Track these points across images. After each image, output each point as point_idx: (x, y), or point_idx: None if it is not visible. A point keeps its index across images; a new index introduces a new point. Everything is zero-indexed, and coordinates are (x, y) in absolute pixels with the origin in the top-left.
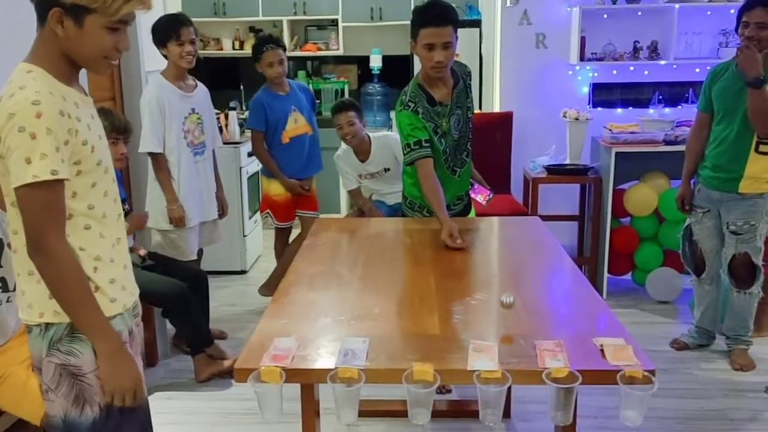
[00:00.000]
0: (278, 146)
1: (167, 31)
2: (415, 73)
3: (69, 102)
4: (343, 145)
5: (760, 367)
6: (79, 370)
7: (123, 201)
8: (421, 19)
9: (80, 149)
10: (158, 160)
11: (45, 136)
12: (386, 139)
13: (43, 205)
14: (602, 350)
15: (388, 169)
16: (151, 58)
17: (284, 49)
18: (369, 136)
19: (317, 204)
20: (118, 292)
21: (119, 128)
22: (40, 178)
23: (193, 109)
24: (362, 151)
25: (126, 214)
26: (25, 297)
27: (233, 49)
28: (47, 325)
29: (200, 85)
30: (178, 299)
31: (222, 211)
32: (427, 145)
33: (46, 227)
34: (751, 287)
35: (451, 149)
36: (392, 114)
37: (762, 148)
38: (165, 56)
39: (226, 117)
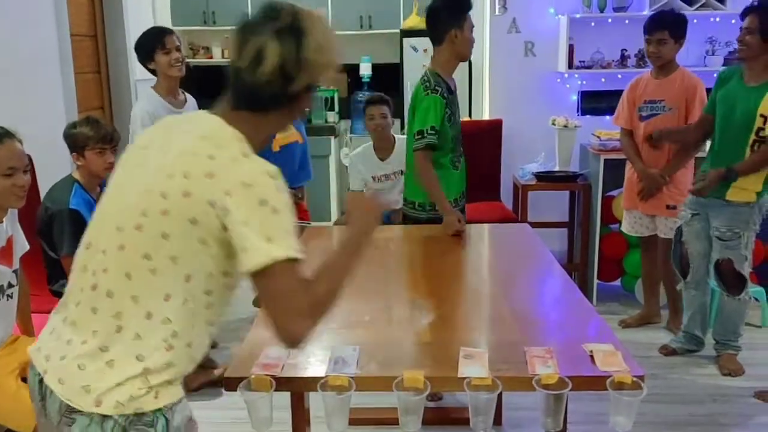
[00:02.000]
0: (268, 154)
1: (152, 43)
2: (405, 79)
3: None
4: (364, 146)
5: (749, 373)
6: None
7: None
8: (469, 5)
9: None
10: None
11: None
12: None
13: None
14: (592, 356)
15: (404, 172)
16: (140, 67)
17: None
18: (394, 137)
19: (308, 213)
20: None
21: (105, 137)
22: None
23: None
24: (385, 147)
25: None
26: (80, 375)
27: (223, 57)
28: (103, 419)
29: (190, 99)
30: None
31: None
32: (435, 132)
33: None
34: (740, 294)
35: (456, 140)
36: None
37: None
38: (153, 71)
39: None
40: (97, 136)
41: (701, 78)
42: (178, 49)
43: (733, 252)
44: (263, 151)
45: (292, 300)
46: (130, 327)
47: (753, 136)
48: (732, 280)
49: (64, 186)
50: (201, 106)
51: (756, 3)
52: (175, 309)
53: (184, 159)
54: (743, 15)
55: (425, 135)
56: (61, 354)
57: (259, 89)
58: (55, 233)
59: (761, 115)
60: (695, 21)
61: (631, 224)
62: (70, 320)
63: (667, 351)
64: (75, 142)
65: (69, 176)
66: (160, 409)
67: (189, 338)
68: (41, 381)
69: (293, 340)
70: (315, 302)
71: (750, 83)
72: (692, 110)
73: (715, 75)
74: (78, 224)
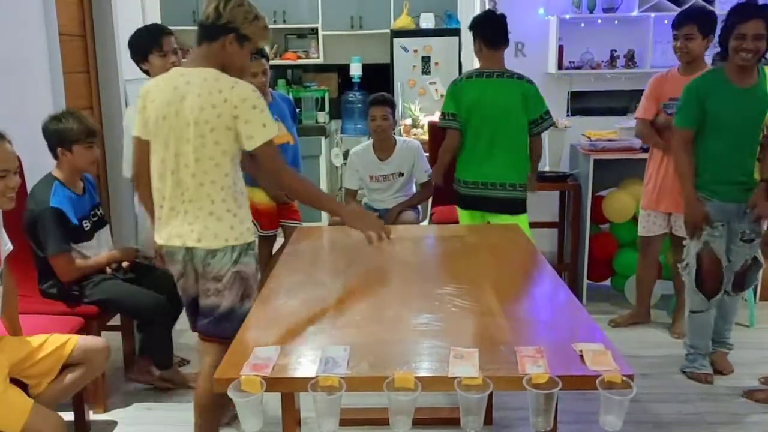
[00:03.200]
0: None
1: (148, 42)
2: (395, 79)
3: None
4: (364, 144)
5: (739, 372)
6: (247, 275)
7: (97, 206)
8: None
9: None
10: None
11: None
12: (412, 144)
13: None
14: (582, 356)
15: (402, 174)
16: (130, 67)
17: (267, 60)
18: (395, 138)
19: (299, 213)
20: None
21: (92, 131)
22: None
23: None
24: (385, 148)
25: (101, 221)
26: (208, 231)
27: None
28: (233, 247)
29: None
30: (158, 313)
31: None
32: None
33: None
34: (746, 290)
35: None
36: None
37: (759, 155)
38: (146, 72)
39: None
40: (86, 130)
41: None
42: (175, 52)
43: (755, 249)
44: None
45: (279, 157)
46: (217, 196)
47: (762, 133)
48: (744, 279)
49: (44, 186)
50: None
51: (749, 4)
52: (229, 181)
53: (203, 97)
54: (742, 20)
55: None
56: (189, 228)
57: (205, 25)
58: (40, 233)
59: None
60: None
61: (644, 224)
62: (176, 210)
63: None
64: (63, 137)
65: (48, 175)
66: (252, 241)
67: (238, 195)
68: (186, 250)
69: (282, 182)
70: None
71: (743, 85)
72: None
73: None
74: (60, 222)
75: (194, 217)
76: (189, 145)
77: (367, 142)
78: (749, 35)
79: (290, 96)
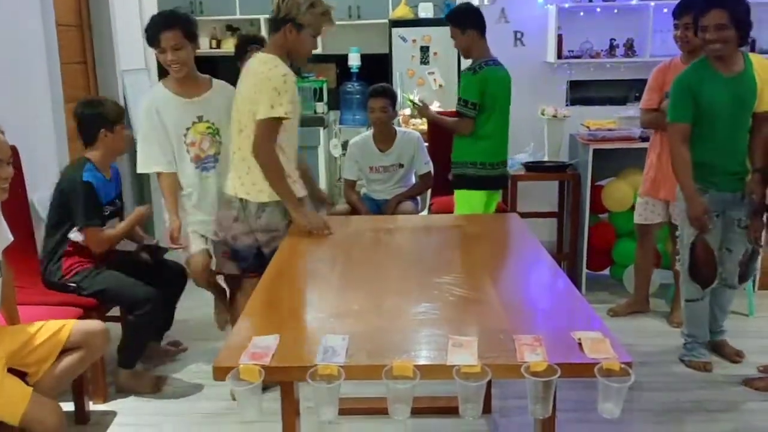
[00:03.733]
0: None
1: (149, 37)
2: (394, 69)
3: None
4: (364, 135)
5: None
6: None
7: (119, 196)
8: None
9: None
10: (158, 178)
11: (283, 92)
12: (412, 135)
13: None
14: (580, 344)
15: (402, 166)
16: (127, 57)
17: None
18: (396, 129)
19: None
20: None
21: (122, 114)
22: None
23: (199, 117)
24: (385, 140)
25: (115, 212)
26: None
27: (210, 47)
28: (277, 203)
29: (217, 84)
30: (149, 309)
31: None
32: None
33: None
34: (748, 280)
35: None
36: None
37: (752, 143)
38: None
39: None
40: (122, 111)
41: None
42: (176, 48)
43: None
44: None
45: (268, 137)
46: (251, 162)
47: (751, 119)
48: (747, 270)
49: (77, 165)
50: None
51: None
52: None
53: (252, 77)
54: (702, 12)
55: None
56: (240, 182)
57: (270, 18)
58: (71, 205)
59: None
60: None
61: (641, 212)
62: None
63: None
64: (106, 118)
65: (81, 157)
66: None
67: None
68: (240, 201)
69: (258, 157)
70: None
71: (730, 73)
72: None
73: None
74: (91, 196)
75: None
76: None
77: (366, 133)
78: (710, 26)
79: None
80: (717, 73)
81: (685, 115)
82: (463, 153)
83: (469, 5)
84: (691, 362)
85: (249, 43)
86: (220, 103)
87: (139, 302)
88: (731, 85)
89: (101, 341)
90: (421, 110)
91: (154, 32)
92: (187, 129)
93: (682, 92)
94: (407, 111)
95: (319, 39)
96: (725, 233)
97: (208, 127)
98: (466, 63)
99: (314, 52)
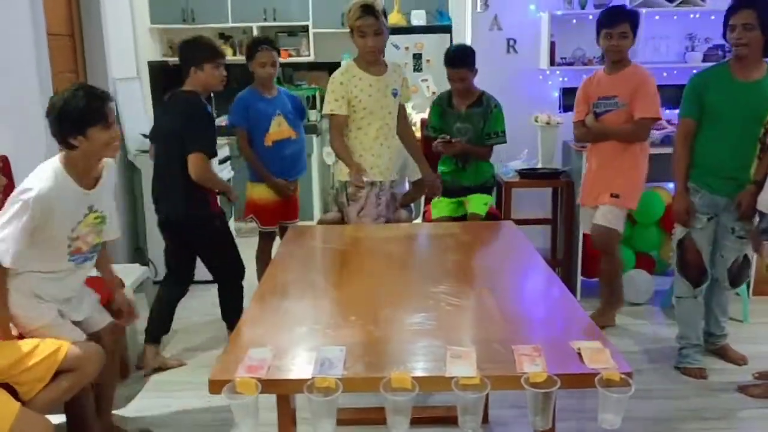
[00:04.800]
0: (260, 149)
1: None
2: None
3: (351, 83)
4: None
5: (732, 367)
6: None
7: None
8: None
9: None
10: None
11: (327, 95)
12: None
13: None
14: (579, 354)
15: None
16: (119, 65)
17: (278, 53)
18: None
19: (298, 212)
20: None
21: (208, 56)
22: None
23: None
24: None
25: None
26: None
27: None
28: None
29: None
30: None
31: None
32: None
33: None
34: (741, 285)
35: None
36: None
37: (760, 154)
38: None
39: None
40: (215, 49)
41: (682, 74)
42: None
43: (748, 247)
44: (255, 144)
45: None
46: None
47: (763, 129)
48: (739, 275)
49: (189, 97)
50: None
51: None
52: None
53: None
54: (733, 11)
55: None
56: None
57: None
58: (192, 128)
59: None
60: (675, 17)
61: (584, 221)
62: None
63: (700, 374)
64: (195, 56)
65: (181, 91)
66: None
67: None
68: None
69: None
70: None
71: (746, 79)
72: (636, 105)
73: (694, 71)
74: (211, 126)
75: None
76: None
77: None
78: (738, 25)
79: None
80: (732, 78)
81: (689, 112)
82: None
83: (470, 46)
84: (686, 369)
85: (260, 44)
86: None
87: (240, 270)
88: (743, 91)
89: (95, 365)
90: (448, 146)
91: (97, 108)
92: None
93: (692, 90)
94: None
95: (311, 46)
96: (719, 240)
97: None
98: None
99: (307, 59)
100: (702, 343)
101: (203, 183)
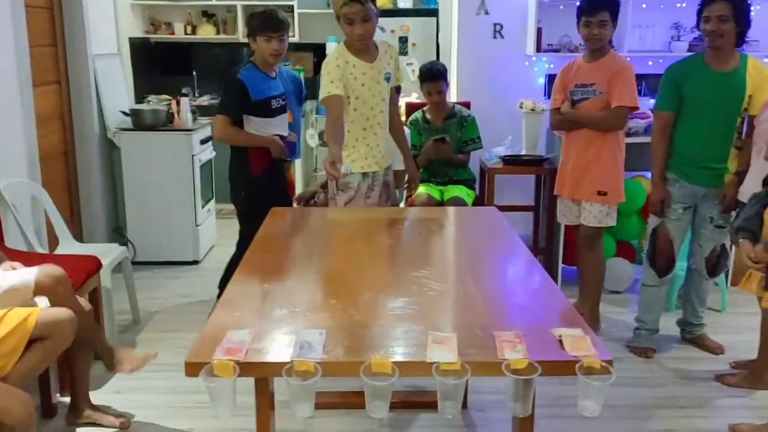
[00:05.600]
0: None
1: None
2: None
3: (345, 67)
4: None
5: (709, 356)
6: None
7: (284, 95)
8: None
9: (349, 85)
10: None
11: (322, 79)
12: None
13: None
14: (560, 341)
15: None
16: (99, 41)
17: (285, 28)
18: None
19: (290, 196)
20: None
21: (261, 27)
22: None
23: None
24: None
25: (283, 108)
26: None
27: (185, 33)
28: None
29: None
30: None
31: None
32: None
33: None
34: (719, 275)
35: None
36: None
37: (738, 143)
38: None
39: (178, 103)
40: (264, 25)
41: (667, 63)
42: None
43: (725, 237)
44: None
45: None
46: None
47: (739, 118)
48: (717, 265)
49: (241, 66)
50: (162, 83)
51: None
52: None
53: None
54: (707, 2)
55: None
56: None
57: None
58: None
59: (749, 96)
60: (661, 6)
61: (562, 212)
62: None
63: (646, 353)
64: (251, 28)
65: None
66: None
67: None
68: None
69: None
70: None
71: (722, 69)
72: (613, 93)
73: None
74: (236, 90)
75: None
76: None
77: None
78: (713, 17)
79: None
80: (707, 68)
81: (667, 104)
82: None
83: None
84: (635, 348)
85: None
86: None
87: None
88: (718, 81)
89: (69, 330)
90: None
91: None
92: None
93: (668, 82)
94: None
95: (296, 27)
96: (697, 229)
97: None
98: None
99: (292, 40)
100: (657, 328)
101: (224, 141)
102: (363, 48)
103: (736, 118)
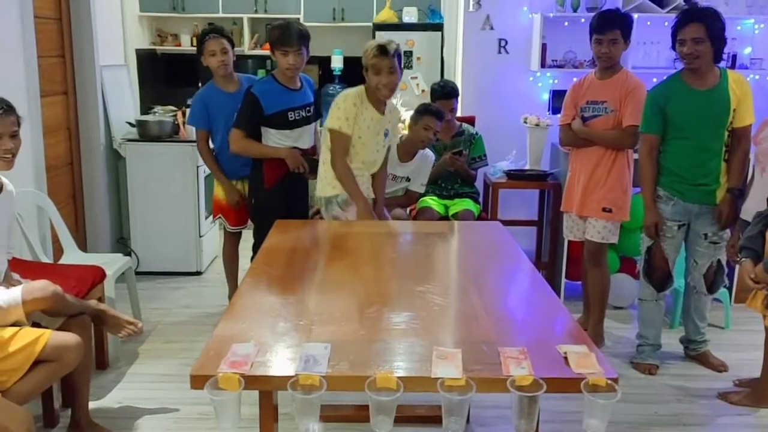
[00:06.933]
0: (224, 149)
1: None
2: None
3: (360, 109)
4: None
5: (713, 373)
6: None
7: (309, 105)
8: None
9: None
10: None
11: (336, 110)
12: (428, 156)
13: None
14: (566, 358)
15: (409, 180)
16: (106, 52)
17: (231, 43)
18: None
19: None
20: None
21: (281, 40)
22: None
23: None
24: (408, 152)
25: (308, 119)
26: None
27: (191, 45)
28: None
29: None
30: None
31: None
32: None
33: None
34: (718, 290)
35: None
36: None
37: (726, 156)
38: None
39: (184, 114)
40: (282, 37)
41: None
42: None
43: (721, 251)
44: (220, 145)
45: (330, 145)
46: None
47: (726, 133)
48: (714, 280)
49: (260, 78)
50: (168, 94)
51: (689, 10)
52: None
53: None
54: (681, 25)
55: None
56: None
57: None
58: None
59: (733, 109)
60: (666, 23)
61: (569, 228)
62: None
63: (651, 370)
64: (271, 41)
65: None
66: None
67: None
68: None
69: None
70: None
71: (702, 87)
72: (625, 112)
73: None
74: (248, 105)
75: None
76: None
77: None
78: (688, 39)
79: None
80: (688, 87)
81: (652, 127)
82: None
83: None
84: (637, 364)
85: (207, 33)
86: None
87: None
88: (701, 99)
89: (75, 355)
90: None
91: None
92: None
93: (651, 105)
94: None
95: None
96: (691, 245)
97: None
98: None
99: None
100: (659, 344)
101: (238, 154)
102: (385, 98)
103: (724, 133)
